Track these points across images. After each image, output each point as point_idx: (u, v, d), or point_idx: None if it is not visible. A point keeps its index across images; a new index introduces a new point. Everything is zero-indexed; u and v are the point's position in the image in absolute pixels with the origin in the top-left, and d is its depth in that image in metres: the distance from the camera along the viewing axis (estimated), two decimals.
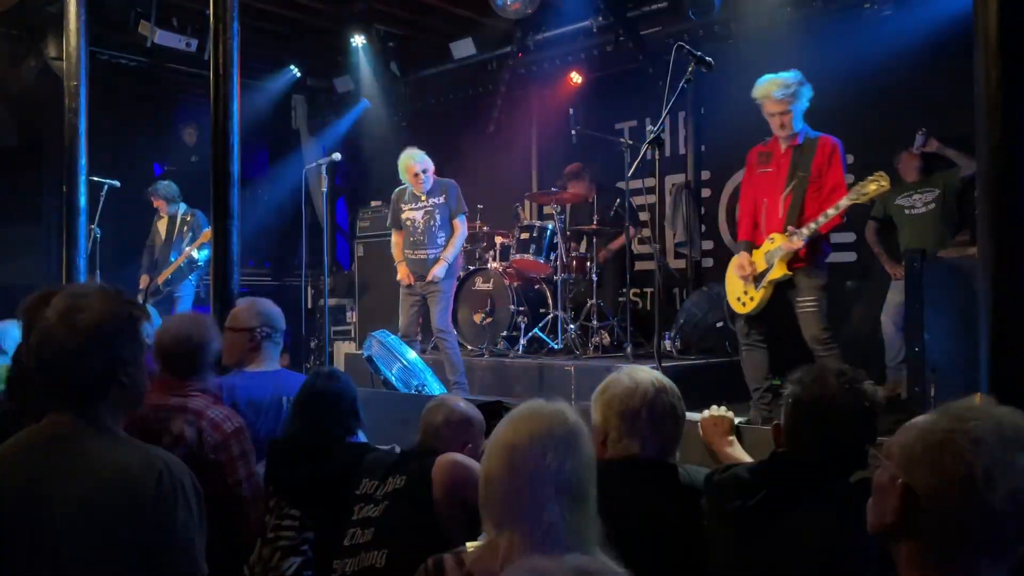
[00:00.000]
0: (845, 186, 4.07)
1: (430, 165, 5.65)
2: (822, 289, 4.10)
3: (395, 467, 2.40)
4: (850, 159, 5.95)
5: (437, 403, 2.58)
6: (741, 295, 4.29)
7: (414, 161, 5.58)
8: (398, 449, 2.66)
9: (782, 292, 4.17)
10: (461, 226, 5.68)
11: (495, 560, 1.47)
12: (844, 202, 3.93)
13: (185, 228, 7.15)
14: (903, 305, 5.25)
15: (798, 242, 4.00)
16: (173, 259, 7.04)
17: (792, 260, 4.08)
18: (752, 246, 4.28)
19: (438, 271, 5.49)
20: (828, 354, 4.02)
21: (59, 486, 1.66)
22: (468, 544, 1.62)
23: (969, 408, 1.25)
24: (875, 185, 3.84)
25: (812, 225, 3.98)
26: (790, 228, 4.03)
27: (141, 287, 7.00)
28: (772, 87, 4.10)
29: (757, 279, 4.19)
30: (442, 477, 2.25)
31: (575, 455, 1.52)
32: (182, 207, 7.22)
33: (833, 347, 4.06)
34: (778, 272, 4.10)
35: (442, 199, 5.62)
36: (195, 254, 6.97)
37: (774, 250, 4.13)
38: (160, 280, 7.05)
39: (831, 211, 3.95)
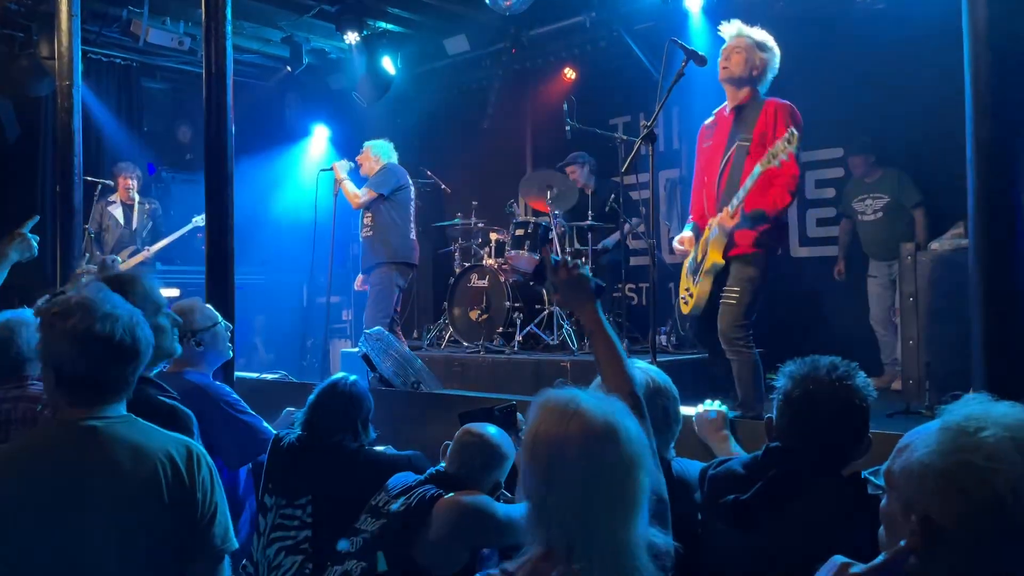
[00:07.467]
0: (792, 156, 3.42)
1: (365, 151, 6.17)
2: (750, 280, 3.50)
3: (407, 490, 2.42)
4: (839, 152, 6.00)
5: (473, 434, 2.54)
6: (683, 292, 3.77)
7: None
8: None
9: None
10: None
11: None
12: (757, 168, 3.34)
13: (146, 217, 7.03)
14: (884, 299, 5.44)
15: (728, 220, 3.43)
16: (140, 248, 6.88)
17: (728, 246, 3.52)
18: (697, 228, 3.77)
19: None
20: (737, 357, 3.49)
21: (102, 474, 1.69)
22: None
23: (968, 418, 1.15)
24: (783, 144, 3.25)
25: (735, 201, 3.43)
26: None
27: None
28: (742, 26, 3.64)
29: (695, 271, 3.67)
30: (451, 518, 2.26)
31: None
32: (138, 196, 7.07)
33: (744, 350, 3.48)
34: (711, 260, 3.52)
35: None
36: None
37: (709, 235, 3.58)
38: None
39: (747, 182, 3.39)
